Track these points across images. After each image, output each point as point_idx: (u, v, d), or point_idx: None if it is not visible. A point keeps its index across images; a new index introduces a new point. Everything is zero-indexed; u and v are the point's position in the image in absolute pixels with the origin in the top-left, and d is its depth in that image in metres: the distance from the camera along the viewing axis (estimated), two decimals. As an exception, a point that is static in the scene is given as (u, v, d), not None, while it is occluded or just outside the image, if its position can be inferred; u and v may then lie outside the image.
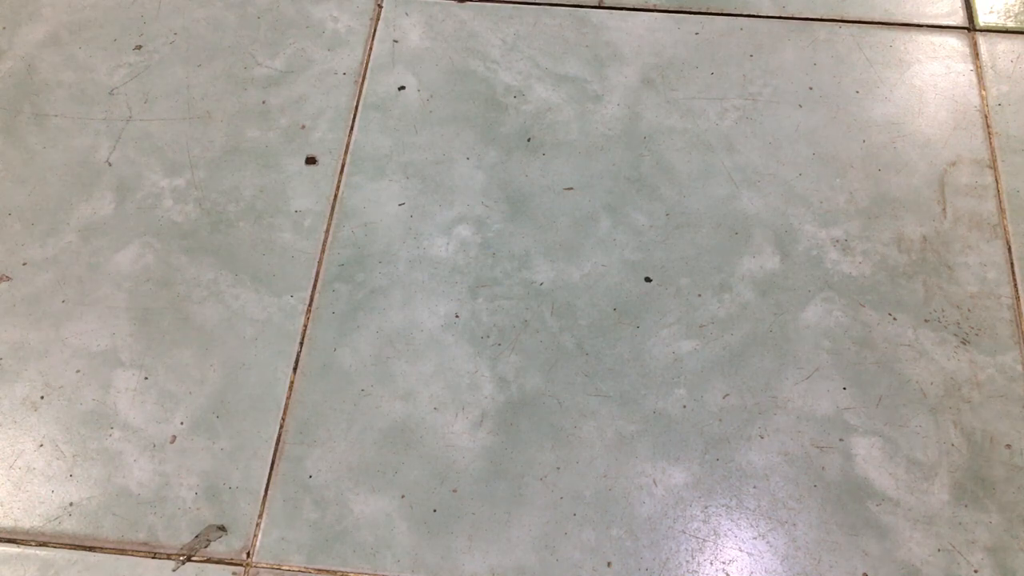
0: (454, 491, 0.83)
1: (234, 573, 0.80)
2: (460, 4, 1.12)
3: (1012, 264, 0.92)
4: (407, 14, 1.12)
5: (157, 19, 1.12)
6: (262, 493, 0.83)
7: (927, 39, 1.08)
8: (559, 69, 1.07)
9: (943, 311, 0.90)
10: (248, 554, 0.80)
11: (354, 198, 0.99)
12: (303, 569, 0.80)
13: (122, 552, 0.81)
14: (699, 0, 1.12)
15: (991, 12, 1.09)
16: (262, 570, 0.80)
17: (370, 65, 1.08)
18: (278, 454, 0.85)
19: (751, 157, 1.00)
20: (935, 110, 1.02)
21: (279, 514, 0.82)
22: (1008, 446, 0.84)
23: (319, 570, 0.80)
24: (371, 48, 1.09)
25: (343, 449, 0.85)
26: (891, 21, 1.09)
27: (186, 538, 0.81)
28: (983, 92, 1.03)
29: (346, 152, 1.02)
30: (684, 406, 0.86)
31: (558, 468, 0.84)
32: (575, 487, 0.83)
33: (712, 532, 0.81)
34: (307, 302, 0.93)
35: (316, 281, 0.94)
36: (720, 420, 0.85)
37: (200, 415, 0.87)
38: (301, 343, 0.90)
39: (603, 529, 0.81)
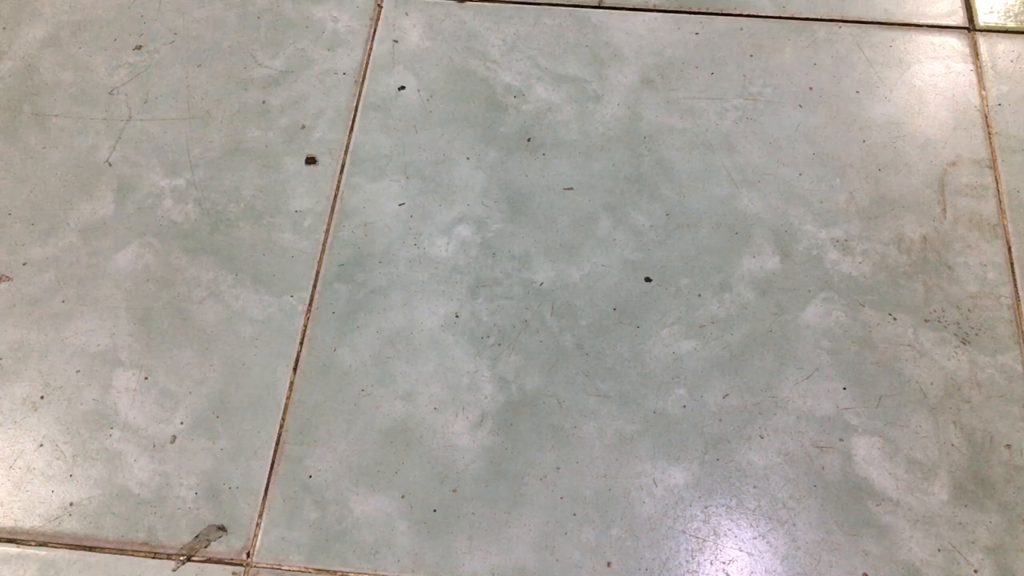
0: (454, 491, 0.83)
1: (234, 573, 0.80)
2: (460, 4, 1.12)
3: (1012, 264, 0.92)
4: (407, 14, 1.12)
5: (157, 19, 1.12)
6: (262, 493, 0.83)
7: (927, 39, 1.08)
8: (559, 69, 1.07)
9: (943, 311, 0.90)
10: (248, 554, 0.80)
11: (354, 198, 0.99)
12: (303, 569, 0.80)
13: (122, 552, 0.81)
14: (699, 0, 1.12)
15: (991, 12, 1.09)
16: (262, 570, 0.80)
17: (370, 65, 1.08)
18: (278, 454, 0.85)
19: (751, 157, 1.00)
20: (935, 110, 1.02)
21: (279, 514, 0.82)
22: (1008, 446, 0.84)
23: (319, 570, 0.80)
24: (371, 48, 1.09)
25: (343, 449, 0.85)
26: (891, 21, 1.09)
27: (186, 538, 0.81)
28: (983, 92, 1.03)
29: (346, 152, 1.02)
30: (684, 406, 0.86)
31: (558, 468, 0.84)
32: (575, 487, 0.83)
33: (712, 532, 0.81)
34: (307, 302, 0.93)
35: (316, 281, 0.94)
36: (720, 420, 0.85)
37: (200, 415, 0.87)
38: (301, 343, 0.90)
39: (603, 529, 0.81)
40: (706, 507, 0.82)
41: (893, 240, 0.94)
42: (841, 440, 0.84)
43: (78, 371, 0.89)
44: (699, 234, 0.95)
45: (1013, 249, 0.93)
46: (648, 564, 0.79)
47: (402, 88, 1.06)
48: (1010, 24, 1.08)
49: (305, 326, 0.91)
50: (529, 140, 1.02)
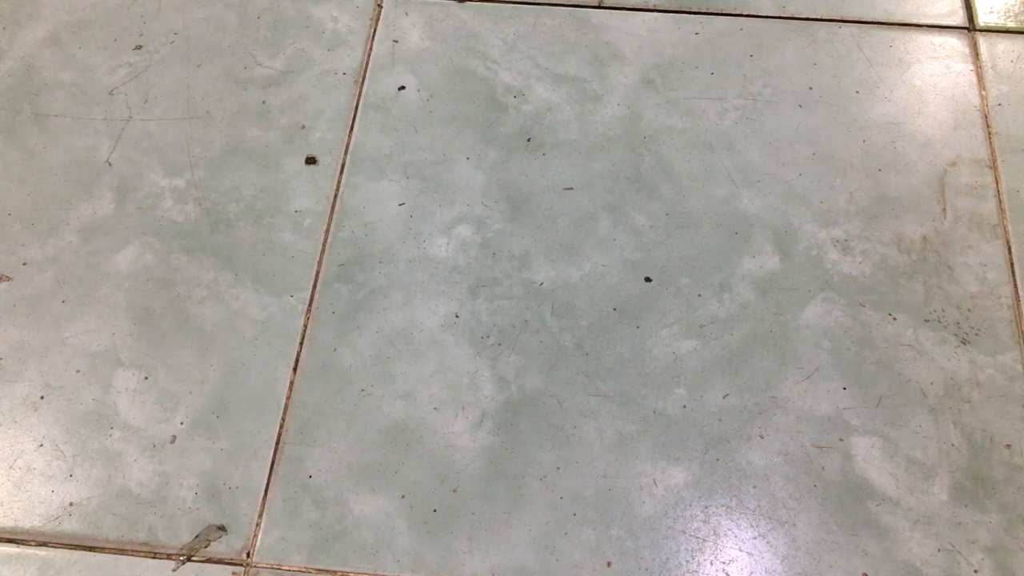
0: (454, 491, 0.83)
1: (234, 573, 0.80)
2: (460, 4, 1.12)
3: (1012, 264, 0.92)
4: (407, 14, 1.12)
5: (157, 19, 1.12)
6: (262, 493, 0.83)
7: (927, 39, 1.08)
8: (559, 69, 1.07)
9: (943, 311, 0.90)
10: (248, 554, 0.80)
11: (354, 198, 0.99)
12: (303, 569, 0.80)
13: (122, 552, 0.81)
14: (699, 0, 1.12)
15: (991, 12, 1.09)
16: (262, 570, 0.80)
17: (370, 65, 1.08)
18: (278, 454, 0.85)
19: (751, 157, 1.00)
20: (935, 110, 1.02)
21: (279, 514, 0.82)
22: (1008, 446, 0.84)
23: (319, 570, 0.80)
24: (371, 48, 1.09)
25: (343, 449, 0.85)
26: (891, 21, 1.09)
27: (186, 538, 0.81)
28: (983, 92, 1.03)
29: (346, 152, 1.02)
30: (684, 406, 0.86)
31: (558, 468, 0.84)
32: (575, 487, 0.83)
33: (712, 532, 0.81)
34: (307, 302, 0.93)
35: (316, 281, 0.94)
36: (720, 420, 0.85)
37: (200, 415, 0.87)
38: (301, 343, 0.90)
39: (603, 529, 0.81)
40: (706, 507, 0.82)
41: (893, 240, 0.94)
42: (841, 440, 0.84)
43: (78, 371, 0.89)
44: (699, 234, 0.95)
45: (1013, 249, 0.93)
46: (648, 564, 0.79)
47: (402, 88, 1.06)
48: (1010, 24, 1.08)
49: (305, 326, 0.91)
50: (529, 140, 1.02)
